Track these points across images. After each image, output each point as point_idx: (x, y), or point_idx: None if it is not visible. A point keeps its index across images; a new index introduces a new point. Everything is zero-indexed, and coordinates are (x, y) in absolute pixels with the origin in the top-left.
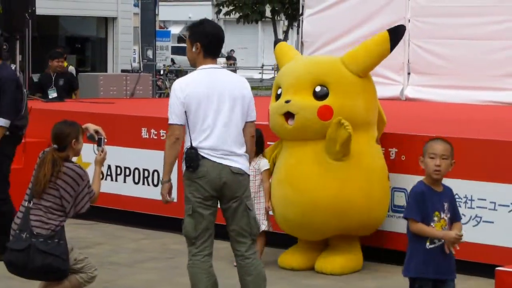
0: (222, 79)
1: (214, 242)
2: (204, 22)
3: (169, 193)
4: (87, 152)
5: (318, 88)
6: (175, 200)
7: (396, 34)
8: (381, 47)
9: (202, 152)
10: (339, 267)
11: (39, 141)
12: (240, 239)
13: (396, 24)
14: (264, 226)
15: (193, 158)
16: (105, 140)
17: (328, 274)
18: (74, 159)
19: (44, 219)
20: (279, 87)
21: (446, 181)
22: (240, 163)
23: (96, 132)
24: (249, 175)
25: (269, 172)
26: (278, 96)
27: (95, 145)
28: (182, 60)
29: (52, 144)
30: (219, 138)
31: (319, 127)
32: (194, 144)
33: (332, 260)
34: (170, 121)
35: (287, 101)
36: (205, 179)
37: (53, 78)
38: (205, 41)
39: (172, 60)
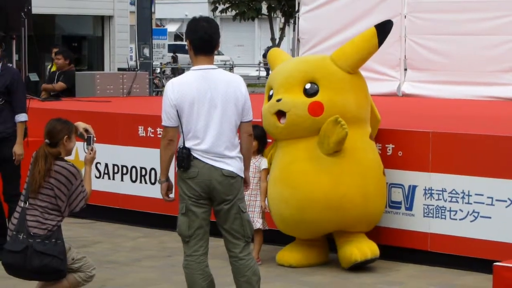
0: (215, 80)
1: (211, 239)
2: (194, 18)
3: (169, 192)
4: (84, 151)
5: (308, 86)
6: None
7: (383, 29)
8: (368, 43)
9: (194, 153)
10: (372, 249)
11: (34, 140)
12: (233, 241)
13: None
14: (259, 224)
15: (184, 158)
16: (95, 138)
17: (370, 259)
18: (69, 158)
19: (41, 219)
20: (271, 89)
21: (444, 177)
22: (232, 165)
23: (86, 130)
24: (242, 177)
25: (267, 172)
26: (270, 98)
27: (85, 144)
28: (179, 58)
29: (44, 140)
30: (212, 142)
31: (311, 124)
32: (187, 145)
33: (360, 247)
34: (163, 123)
35: (278, 100)
36: (196, 180)
37: (56, 76)
38: (193, 37)
39: (173, 57)
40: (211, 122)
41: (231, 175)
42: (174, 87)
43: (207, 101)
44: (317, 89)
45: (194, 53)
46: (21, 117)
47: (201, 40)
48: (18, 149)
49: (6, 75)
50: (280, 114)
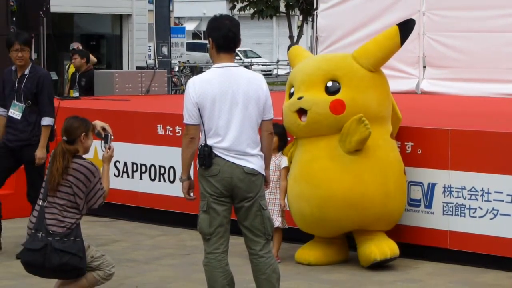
0: (237, 78)
1: (230, 237)
2: (216, 16)
3: (190, 190)
4: (101, 150)
5: (329, 84)
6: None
7: (406, 28)
8: (391, 41)
9: (216, 151)
10: (391, 249)
11: (55, 139)
12: (254, 238)
13: (411, 18)
14: (278, 223)
15: (206, 156)
16: (112, 137)
17: (389, 258)
18: (89, 157)
19: (59, 217)
20: (292, 86)
21: (464, 174)
22: (253, 163)
23: (103, 129)
24: (263, 175)
25: (287, 170)
26: (291, 95)
27: (102, 142)
28: (197, 57)
29: (61, 137)
30: (233, 140)
31: (332, 122)
32: (208, 143)
33: (380, 246)
34: (184, 121)
35: (299, 98)
36: (217, 177)
37: (77, 77)
38: (216, 35)
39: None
40: (232, 120)
41: (253, 172)
42: (195, 85)
43: (228, 98)
44: (338, 87)
45: (217, 51)
46: (45, 121)
47: (225, 38)
48: (39, 152)
49: (34, 77)
50: (301, 112)
